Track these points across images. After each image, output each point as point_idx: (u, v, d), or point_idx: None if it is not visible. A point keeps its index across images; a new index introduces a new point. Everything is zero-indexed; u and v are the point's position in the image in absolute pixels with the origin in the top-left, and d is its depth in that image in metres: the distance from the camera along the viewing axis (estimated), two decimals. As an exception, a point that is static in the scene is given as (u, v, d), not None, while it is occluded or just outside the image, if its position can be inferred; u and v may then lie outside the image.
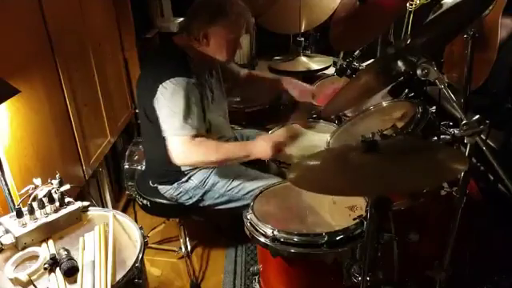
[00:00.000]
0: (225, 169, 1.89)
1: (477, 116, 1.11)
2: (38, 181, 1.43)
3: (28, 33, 1.67)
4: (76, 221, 1.47)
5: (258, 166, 2.00)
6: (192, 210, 1.96)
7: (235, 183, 1.86)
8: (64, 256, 1.24)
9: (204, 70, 1.87)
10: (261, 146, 1.74)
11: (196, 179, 1.88)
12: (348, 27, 2.34)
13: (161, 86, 1.67)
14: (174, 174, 1.88)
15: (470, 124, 1.10)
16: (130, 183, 2.45)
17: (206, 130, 1.79)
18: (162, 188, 1.94)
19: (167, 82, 1.66)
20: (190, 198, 1.91)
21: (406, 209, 1.41)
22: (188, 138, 1.67)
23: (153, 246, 2.29)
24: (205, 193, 1.89)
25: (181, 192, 1.91)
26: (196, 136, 1.69)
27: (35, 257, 1.30)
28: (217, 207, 1.92)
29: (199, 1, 1.77)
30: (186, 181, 1.89)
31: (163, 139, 1.73)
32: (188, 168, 1.87)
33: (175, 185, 1.90)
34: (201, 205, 1.92)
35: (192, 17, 1.77)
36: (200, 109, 1.74)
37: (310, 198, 1.58)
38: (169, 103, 1.67)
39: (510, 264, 1.76)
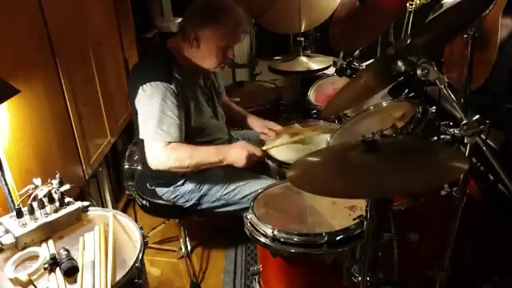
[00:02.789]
0: (221, 173, 1.88)
1: (477, 116, 1.11)
2: (38, 181, 1.43)
3: (28, 33, 1.67)
4: (76, 221, 1.46)
5: (258, 166, 2.00)
6: (190, 211, 1.96)
7: (231, 187, 1.86)
8: (64, 256, 1.24)
9: (195, 73, 1.86)
10: (236, 153, 1.75)
11: (191, 183, 1.88)
12: (348, 27, 2.34)
13: (141, 87, 1.68)
14: (170, 177, 1.88)
15: (469, 124, 1.11)
16: (129, 183, 2.45)
17: (198, 135, 1.80)
18: (160, 190, 1.94)
19: (147, 84, 1.67)
20: (187, 201, 1.90)
21: (406, 209, 1.41)
22: (162, 143, 1.68)
23: (153, 246, 2.29)
24: (201, 197, 1.89)
25: (177, 195, 1.90)
26: (170, 142, 1.69)
27: (35, 257, 1.30)
28: (214, 210, 1.91)
29: (198, 2, 1.75)
30: (182, 184, 1.88)
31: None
32: (183, 171, 1.85)
33: (171, 188, 1.90)
34: (198, 208, 1.92)
35: (187, 17, 1.76)
36: (178, 115, 1.71)
37: (310, 198, 1.58)
38: (146, 106, 1.69)
39: (510, 264, 1.76)
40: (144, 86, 1.68)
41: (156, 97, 1.66)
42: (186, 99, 1.76)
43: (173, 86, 1.69)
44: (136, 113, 1.78)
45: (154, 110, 1.67)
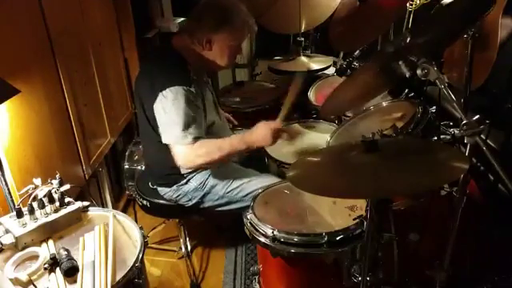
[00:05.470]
0: (224, 171, 1.88)
1: (477, 116, 1.11)
2: (38, 181, 1.43)
3: (28, 33, 1.67)
4: (76, 221, 1.46)
5: (258, 166, 2.00)
6: (192, 211, 1.96)
7: (234, 185, 1.86)
8: (64, 256, 1.24)
9: (202, 72, 1.88)
10: (260, 135, 1.74)
11: (195, 181, 1.88)
12: (348, 27, 2.34)
13: (160, 93, 1.67)
14: (174, 176, 1.88)
15: (470, 124, 1.10)
16: (130, 183, 2.45)
17: (206, 133, 1.79)
18: (162, 190, 1.94)
19: (167, 90, 1.66)
20: (190, 200, 1.90)
21: (406, 209, 1.41)
22: (189, 145, 1.68)
23: (153, 246, 2.29)
24: (204, 195, 1.89)
25: (180, 194, 1.90)
26: (196, 141, 1.69)
27: (35, 257, 1.30)
28: (216, 209, 1.91)
29: (204, 4, 1.76)
30: (186, 183, 1.88)
31: (163, 142, 1.74)
32: (187, 170, 1.86)
33: (174, 187, 1.90)
34: (200, 207, 1.92)
35: (196, 21, 1.75)
36: (200, 115, 1.74)
37: (310, 198, 1.58)
38: (169, 112, 1.67)
39: (510, 264, 1.76)
40: (164, 92, 1.66)
41: (179, 101, 1.66)
42: (201, 97, 1.78)
43: (192, 89, 1.70)
44: (146, 116, 1.79)
45: (178, 114, 1.66)
